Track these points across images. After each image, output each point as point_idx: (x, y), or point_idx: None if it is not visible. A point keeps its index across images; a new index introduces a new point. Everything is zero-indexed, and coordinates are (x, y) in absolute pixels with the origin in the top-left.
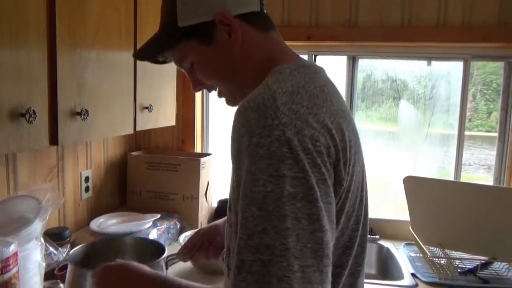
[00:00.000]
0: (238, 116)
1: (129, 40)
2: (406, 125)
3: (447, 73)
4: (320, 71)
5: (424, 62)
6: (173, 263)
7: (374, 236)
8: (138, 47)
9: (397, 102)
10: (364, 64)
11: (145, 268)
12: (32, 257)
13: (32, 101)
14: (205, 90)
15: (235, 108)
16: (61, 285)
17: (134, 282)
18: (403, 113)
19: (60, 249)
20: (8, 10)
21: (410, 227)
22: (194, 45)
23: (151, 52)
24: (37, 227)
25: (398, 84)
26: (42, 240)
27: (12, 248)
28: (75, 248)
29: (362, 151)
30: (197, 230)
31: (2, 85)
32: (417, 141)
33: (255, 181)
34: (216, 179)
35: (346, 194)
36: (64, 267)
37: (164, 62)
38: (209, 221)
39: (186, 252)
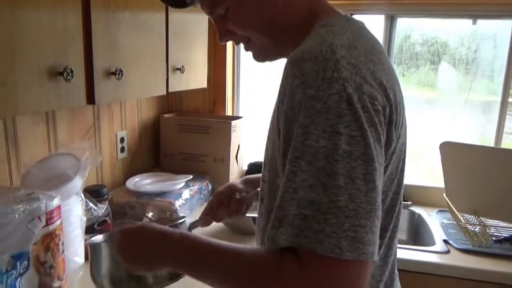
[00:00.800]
0: (291, 67)
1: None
2: (445, 89)
3: (493, 33)
4: (365, 27)
5: (469, 21)
6: (195, 227)
7: (406, 202)
8: (169, 9)
9: (436, 66)
10: (402, 25)
11: (169, 229)
12: (74, 211)
13: (69, 60)
14: (235, 53)
15: (269, 65)
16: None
17: (158, 243)
18: (442, 77)
19: (99, 205)
20: None
21: (444, 194)
22: None
23: None
24: (77, 183)
25: (438, 46)
26: (82, 196)
27: (56, 201)
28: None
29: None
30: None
31: (40, 44)
32: (457, 106)
33: (306, 134)
34: (247, 142)
35: (391, 156)
36: (103, 222)
37: (192, 2)
38: None
39: (206, 214)
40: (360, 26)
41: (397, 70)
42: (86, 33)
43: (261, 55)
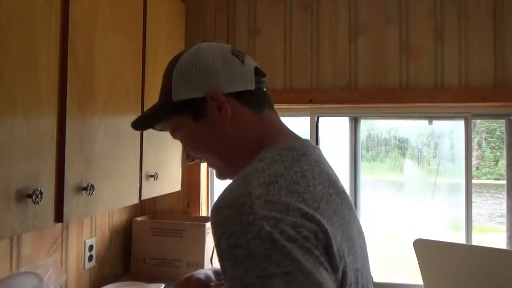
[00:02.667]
0: (214, 216)
1: (136, 109)
2: (413, 179)
3: (450, 131)
4: (306, 153)
5: (426, 121)
6: None
7: None
8: None
9: (402, 151)
10: (367, 123)
11: None
12: None
13: (40, 180)
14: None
15: None
16: None
17: None
18: (408, 170)
19: None
20: (22, 90)
21: None
22: (185, 120)
23: (145, 123)
24: None
25: (401, 140)
26: None
27: None
28: None
29: (360, 227)
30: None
31: (11, 166)
32: (425, 194)
33: (244, 286)
34: None
35: (343, 283)
36: None
37: (162, 130)
38: None
39: None
40: (302, 153)
41: (367, 156)
42: (60, 151)
43: (219, 174)
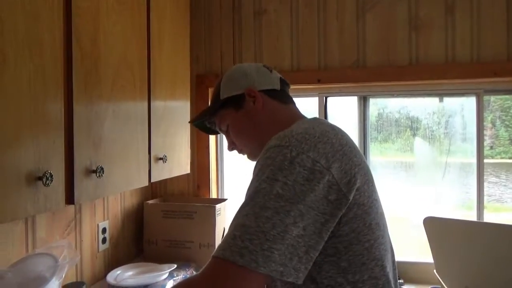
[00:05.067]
0: (263, 153)
1: (143, 92)
2: (423, 158)
3: (461, 108)
4: (329, 125)
5: (436, 99)
6: None
7: (398, 281)
8: (152, 98)
9: (414, 132)
10: (377, 100)
11: None
12: None
13: (49, 163)
14: (217, 136)
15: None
16: None
17: None
18: (418, 148)
19: None
20: (27, 73)
21: (434, 270)
22: (230, 112)
23: (200, 116)
24: (54, 286)
25: (411, 119)
26: None
27: None
28: None
29: (374, 182)
30: None
31: (20, 148)
32: (436, 173)
33: (256, 181)
34: None
35: (359, 207)
36: None
37: (213, 131)
38: None
39: None
40: (327, 124)
41: (378, 138)
42: (68, 134)
43: (253, 156)
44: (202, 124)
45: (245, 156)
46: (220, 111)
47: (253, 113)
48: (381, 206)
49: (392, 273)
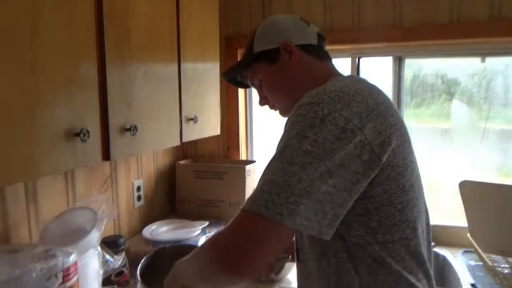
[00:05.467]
0: (295, 110)
1: (173, 53)
2: (460, 123)
3: (504, 68)
4: (365, 82)
5: (477, 59)
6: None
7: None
8: (182, 59)
9: (450, 97)
10: (412, 63)
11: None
12: (91, 265)
13: (85, 121)
14: (247, 98)
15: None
16: None
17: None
18: (456, 113)
19: (115, 256)
20: (60, 35)
21: (468, 234)
22: (263, 66)
23: (232, 70)
24: (94, 237)
25: (449, 82)
26: (99, 248)
27: (72, 258)
28: (140, 265)
29: (410, 143)
30: None
31: (57, 107)
32: (474, 139)
33: (286, 137)
34: None
35: (392, 169)
36: (120, 273)
37: (243, 84)
38: None
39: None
40: (363, 82)
41: (411, 103)
42: (102, 93)
43: (284, 112)
44: (234, 78)
45: (277, 112)
46: (253, 65)
47: (288, 68)
48: (417, 167)
49: (425, 236)
